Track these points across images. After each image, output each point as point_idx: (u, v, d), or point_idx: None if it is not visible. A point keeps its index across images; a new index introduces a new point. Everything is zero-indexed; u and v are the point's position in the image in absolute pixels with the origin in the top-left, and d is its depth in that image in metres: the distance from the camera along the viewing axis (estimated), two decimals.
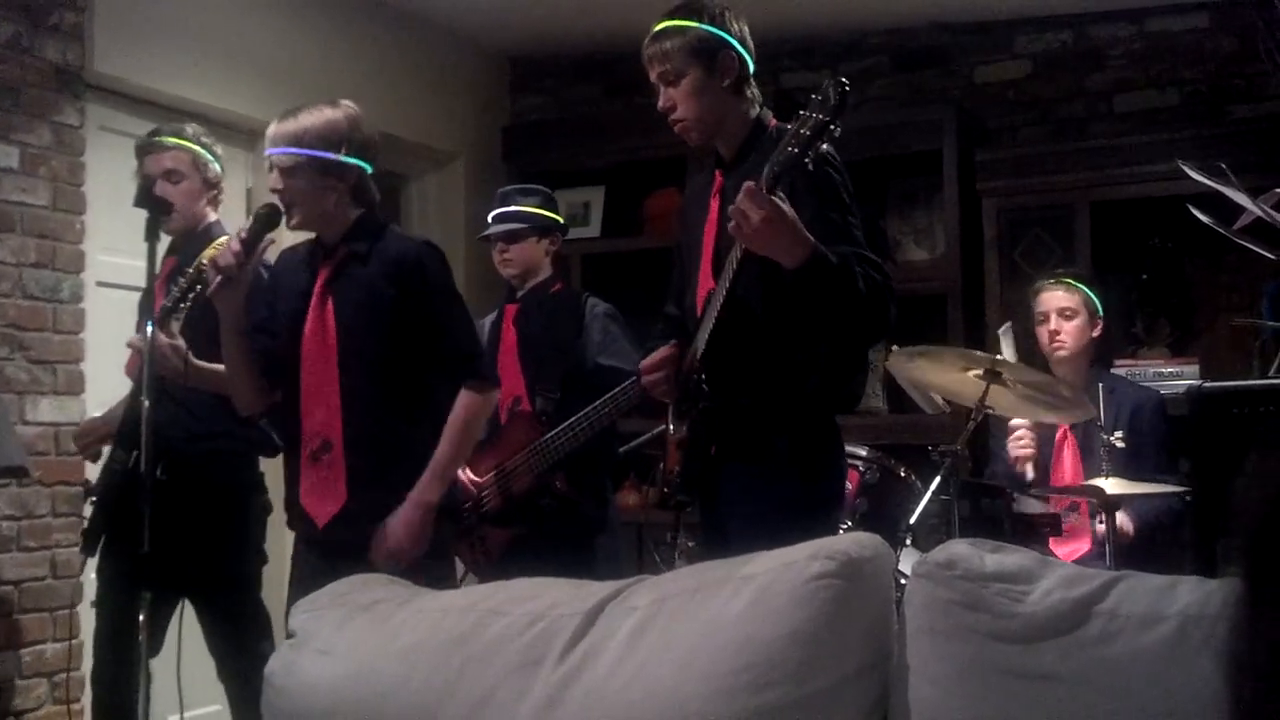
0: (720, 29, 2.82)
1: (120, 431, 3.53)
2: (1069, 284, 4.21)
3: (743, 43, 2.86)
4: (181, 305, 3.31)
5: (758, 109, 2.89)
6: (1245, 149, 4.52)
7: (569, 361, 3.91)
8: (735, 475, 2.74)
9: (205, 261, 3.11)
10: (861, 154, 5.25)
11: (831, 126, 2.41)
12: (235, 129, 4.96)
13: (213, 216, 3.70)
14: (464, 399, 3.10)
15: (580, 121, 5.99)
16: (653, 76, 2.85)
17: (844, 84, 2.41)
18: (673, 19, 2.82)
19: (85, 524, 3.66)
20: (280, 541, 3.63)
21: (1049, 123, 5.40)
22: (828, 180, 2.69)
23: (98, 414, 3.93)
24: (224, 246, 3.00)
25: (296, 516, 3.16)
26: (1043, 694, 1.48)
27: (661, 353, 2.87)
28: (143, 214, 3.32)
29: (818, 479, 2.78)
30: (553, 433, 3.75)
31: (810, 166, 2.47)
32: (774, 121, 2.87)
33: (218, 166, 3.72)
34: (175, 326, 3.25)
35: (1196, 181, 3.31)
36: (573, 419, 3.73)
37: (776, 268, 2.52)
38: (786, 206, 2.46)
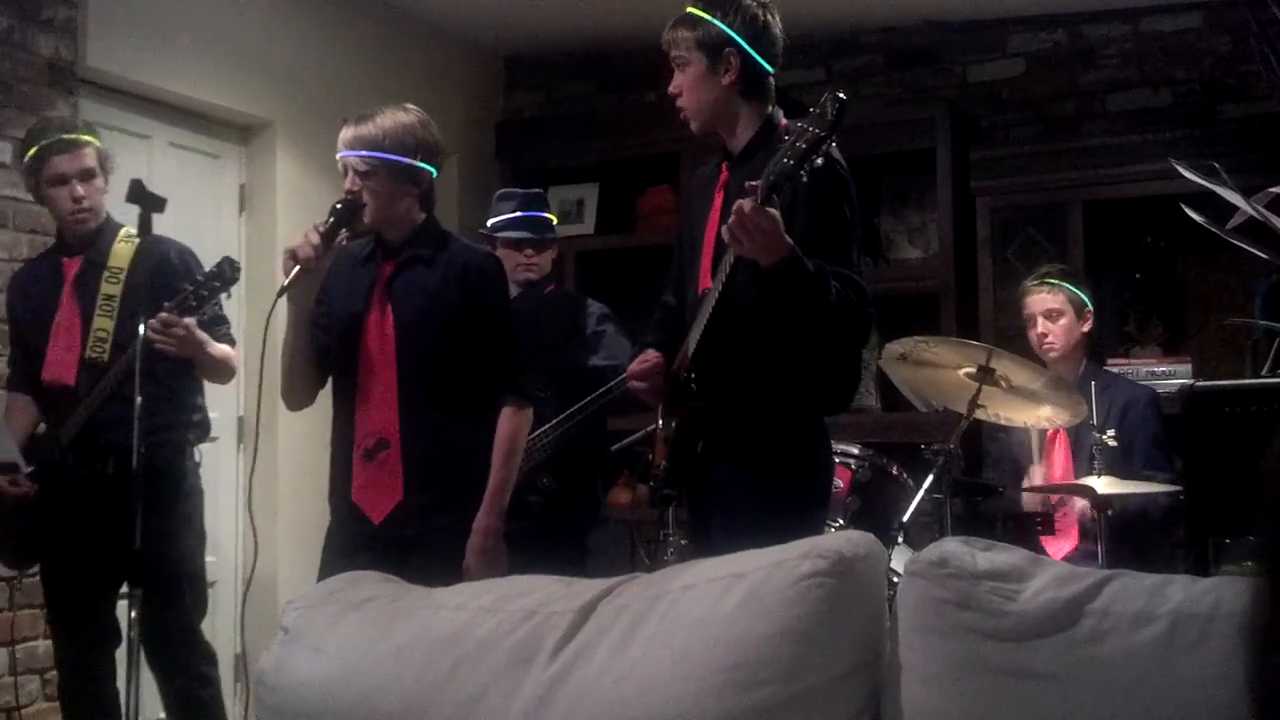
0: (736, 29, 2.84)
1: (55, 435, 3.51)
2: (1052, 284, 4.22)
3: (758, 45, 2.87)
4: (210, 302, 3.34)
5: (771, 109, 2.92)
6: (1238, 149, 4.53)
7: (561, 361, 3.91)
8: (721, 474, 2.76)
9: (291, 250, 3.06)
10: (855, 152, 5.17)
11: (827, 142, 2.45)
12: (228, 125, 4.96)
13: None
14: (508, 418, 3.17)
15: (574, 118, 5.99)
16: (667, 46, 2.92)
17: (841, 98, 2.44)
18: (696, 7, 2.88)
19: (9, 534, 3.59)
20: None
21: (1042, 122, 5.41)
22: (829, 192, 2.72)
23: None
24: (304, 238, 3.01)
25: (347, 512, 3.17)
26: (1034, 692, 1.48)
27: (650, 362, 2.90)
28: (134, 209, 3.34)
29: (802, 478, 2.80)
30: (539, 430, 3.76)
31: (805, 178, 2.49)
32: (784, 121, 2.89)
33: (110, 155, 3.65)
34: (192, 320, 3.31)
35: (1189, 181, 3.32)
36: (559, 417, 3.73)
37: (762, 274, 2.55)
38: (776, 214, 2.49)
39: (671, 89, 2.90)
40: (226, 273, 3.33)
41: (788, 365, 2.74)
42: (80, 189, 3.52)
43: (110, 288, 3.51)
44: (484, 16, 5.70)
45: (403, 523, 3.08)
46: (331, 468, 3.24)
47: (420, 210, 3.22)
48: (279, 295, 3.06)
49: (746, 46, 2.85)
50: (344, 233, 3.11)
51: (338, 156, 3.17)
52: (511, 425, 3.17)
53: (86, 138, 3.58)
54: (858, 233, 2.82)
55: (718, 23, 2.84)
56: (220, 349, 3.54)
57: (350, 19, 5.34)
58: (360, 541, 3.12)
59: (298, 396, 3.26)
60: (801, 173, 2.46)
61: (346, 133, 3.14)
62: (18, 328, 3.72)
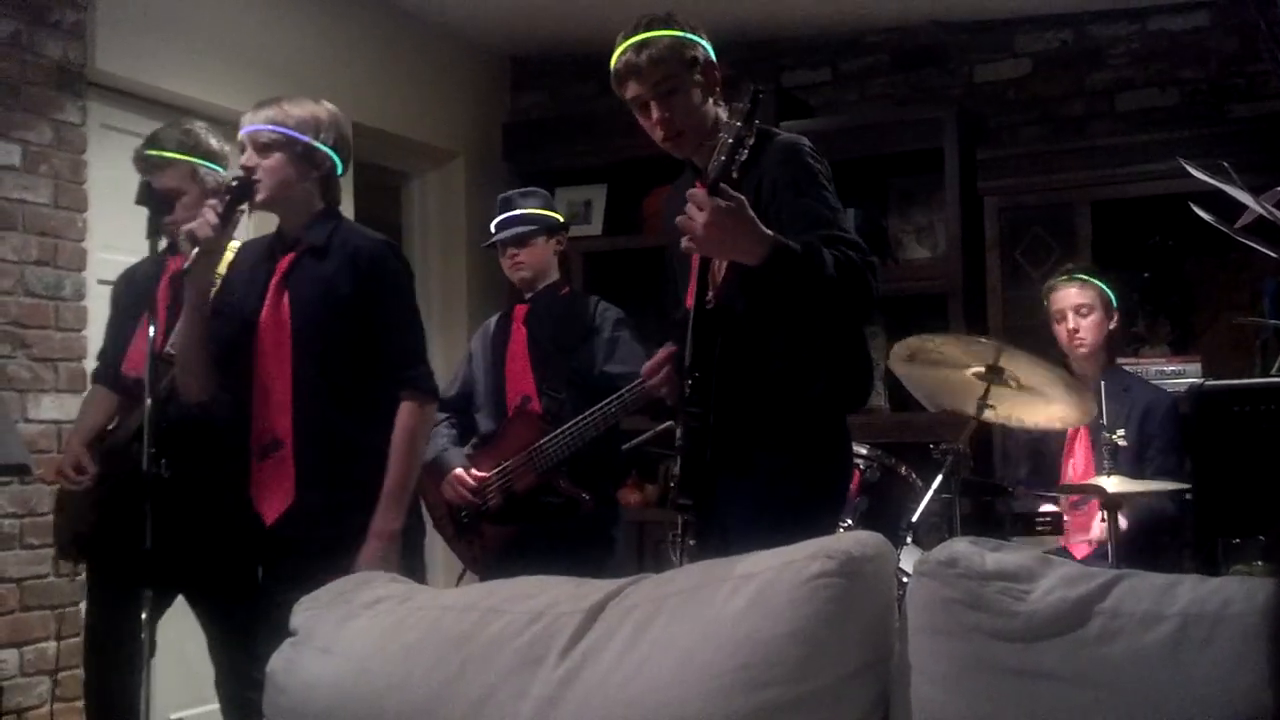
0: (701, 36, 2.81)
1: (127, 433, 3.51)
2: (1083, 280, 4.21)
3: (708, 44, 2.85)
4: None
5: (724, 113, 2.85)
6: (1245, 148, 4.51)
7: (575, 364, 3.91)
8: (729, 485, 2.72)
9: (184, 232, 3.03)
10: (862, 152, 5.28)
11: (746, 135, 2.47)
12: (236, 126, 4.95)
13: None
14: (405, 413, 3.05)
15: (580, 119, 5.98)
16: (639, 90, 2.78)
17: (757, 90, 2.48)
18: (654, 30, 2.78)
19: (71, 530, 3.59)
20: None
21: (1050, 121, 5.40)
22: (804, 171, 2.70)
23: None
24: (200, 219, 2.96)
25: (243, 515, 3.08)
26: (1043, 693, 1.48)
27: (661, 354, 2.86)
28: (144, 211, 3.34)
29: (817, 487, 2.76)
30: (555, 432, 3.76)
31: (735, 175, 2.48)
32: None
33: (218, 169, 3.59)
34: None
35: (1198, 180, 3.31)
36: (576, 419, 3.73)
37: (754, 275, 2.51)
38: (731, 203, 2.44)
39: (659, 117, 2.77)
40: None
41: (800, 368, 2.72)
42: (180, 211, 3.45)
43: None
44: (490, 18, 5.70)
45: (298, 525, 2.99)
46: (232, 466, 3.14)
47: (320, 200, 3.15)
48: (183, 277, 2.99)
49: (711, 52, 2.83)
50: (240, 210, 3.05)
51: (240, 134, 3.11)
52: (409, 420, 3.04)
53: (171, 155, 3.52)
54: (838, 202, 2.77)
55: (690, 36, 2.79)
56: None
57: (357, 21, 5.34)
58: (258, 545, 3.06)
59: (196, 386, 3.15)
60: (732, 169, 2.47)
61: (250, 113, 3.11)
62: (115, 318, 3.71)
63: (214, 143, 3.63)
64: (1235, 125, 4.91)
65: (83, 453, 3.49)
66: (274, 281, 3.09)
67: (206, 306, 3.07)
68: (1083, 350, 4.13)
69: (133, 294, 3.65)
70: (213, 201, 3.02)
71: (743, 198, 2.46)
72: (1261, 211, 3.13)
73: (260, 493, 3.04)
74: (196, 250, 2.95)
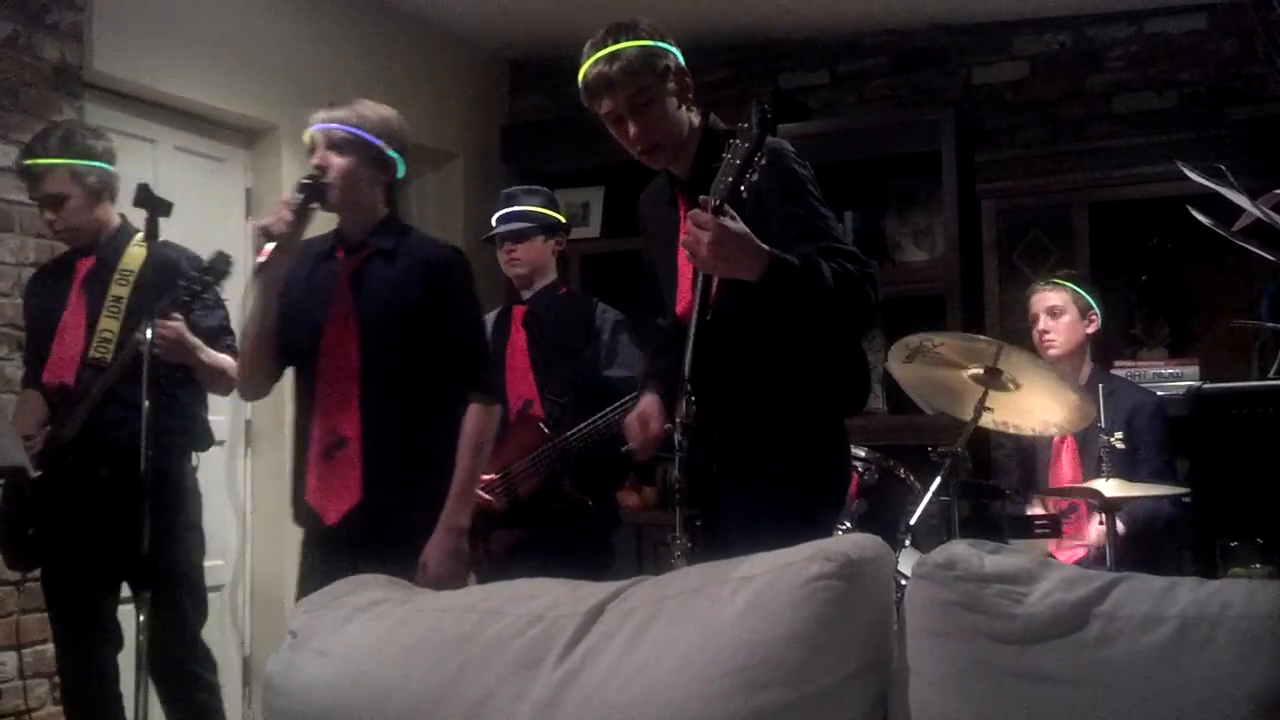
0: (670, 42, 2.77)
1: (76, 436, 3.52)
2: (1056, 283, 4.25)
3: (677, 50, 2.80)
4: (204, 295, 3.33)
5: (699, 117, 2.84)
6: (1244, 151, 4.53)
7: (577, 366, 3.91)
8: (730, 491, 2.71)
9: (259, 228, 3.03)
10: (860, 154, 5.28)
11: (757, 155, 2.42)
12: (234, 129, 4.97)
13: (117, 219, 3.67)
14: (474, 414, 3.12)
15: (579, 122, 5.88)
16: (613, 105, 2.74)
17: (765, 110, 2.43)
18: (622, 41, 2.72)
19: (11, 536, 3.60)
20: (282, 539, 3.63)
21: (1047, 124, 5.41)
22: (791, 177, 2.68)
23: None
24: (274, 215, 2.98)
25: (301, 513, 3.14)
26: (1042, 695, 1.48)
27: (651, 432, 2.84)
28: (142, 213, 3.35)
29: (818, 491, 2.77)
30: (561, 437, 3.75)
31: (746, 194, 2.45)
32: (722, 126, 2.82)
33: (105, 165, 3.62)
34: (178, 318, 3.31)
35: (1196, 183, 3.31)
36: (582, 424, 3.73)
37: (753, 289, 2.51)
38: (736, 224, 2.44)
39: (636, 132, 2.73)
40: (219, 266, 3.32)
41: (800, 377, 2.71)
42: (50, 214, 3.56)
43: (119, 289, 3.51)
44: (489, 20, 5.71)
45: (360, 524, 3.01)
46: (293, 468, 3.17)
47: (384, 205, 3.19)
48: (256, 274, 3.01)
49: (681, 58, 2.79)
50: (313, 208, 3.06)
51: (310, 131, 3.12)
52: (478, 422, 3.11)
53: (46, 162, 3.54)
54: (828, 210, 2.75)
55: (660, 44, 2.74)
56: (216, 357, 3.52)
57: (356, 23, 5.34)
58: (318, 544, 3.08)
59: (255, 386, 3.20)
60: (742, 189, 2.43)
61: (322, 112, 3.12)
62: (31, 325, 3.75)
63: (92, 142, 3.62)
64: (1233, 128, 4.92)
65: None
66: (341, 283, 3.12)
67: (275, 306, 3.09)
68: (1053, 352, 4.15)
69: (47, 298, 3.67)
70: (286, 198, 3.03)
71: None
72: (1259, 214, 3.13)
73: (322, 491, 3.06)
74: (271, 246, 2.96)
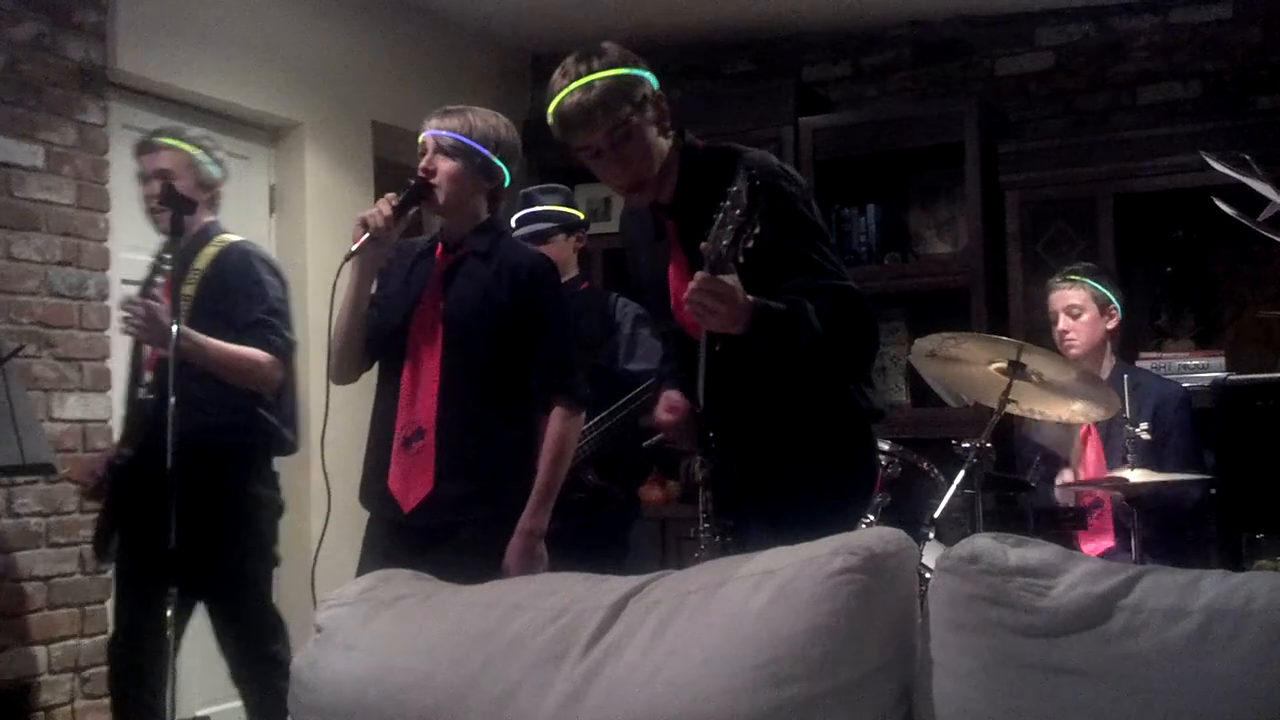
0: (645, 69, 2.66)
1: (125, 430, 3.55)
2: (1074, 280, 4.19)
3: (649, 74, 2.68)
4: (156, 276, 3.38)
5: (674, 137, 2.73)
6: (1269, 140, 4.49)
7: (598, 360, 3.91)
8: (755, 495, 2.69)
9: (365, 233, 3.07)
10: (883, 147, 5.28)
11: (750, 225, 2.30)
12: (257, 126, 4.98)
13: (210, 217, 3.70)
14: (557, 418, 3.16)
15: None
16: (589, 139, 2.63)
17: (755, 179, 2.28)
18: (595, 69, 2.59)
19: (95, 527, 3.69)
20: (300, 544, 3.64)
21: (1071, 115, 5.39)
22: (783, 202, 2.57)
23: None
24: (375, 209, 3.04)
25: (380, 500, 3.16)
26: (1066, 688, 1.48)
27: (678, 407, 2.80)
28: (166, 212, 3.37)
29: (844, 487, 2.76)
30: (584, 427, 3.76)
31: (742, 260, 2.34)
32: (700, 142, 2.75)
33: (213, 170, 3.72)
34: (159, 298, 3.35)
35: (1221, 173, 3.30)
36: (602, 414, 3.74)
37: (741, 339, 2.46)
38: (733, 281, 2.37)
39: (619, 171, 2.65)
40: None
41: (802, 404, 2.69)
42: (151, 188, 3.62)
43: (188, 289, 3.54)
44: (511, 15, 5.71)
45: (431, 513, 3.07)
46: (367, 455, 3.22)
47: (486, 210, 3.25)
48: (345, 260, 3.07)
49: (654, 82, 2.68)
50: (415, 208, 3.13)
51: (422, 136, 3.18)
52: (562, 427, 3.16)
53: (170, 141, 3.66)
54: (825, 230, 2.70)
55: (637, 71, 2.63)
56: (227, 350, 3.49)
57: (379, 20, 5.36)
58: (391, 531, 3.12)
59: (345, 371, 3.24)
60: (739, 256, 2.32)
61: (435, 119, 3.18)
62: None
63: (213, 146, 3.76)
64: (1258, 117, 4.88)
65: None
66: (434, 279, 3.18)
67: (366, 295, 3.15)
68: (1073, 351, 4.10)
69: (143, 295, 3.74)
70: (389, 195, 3.09)
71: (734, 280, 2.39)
72: None
73: (401, 480, 3.11)
74: (366, 236, 3.02)
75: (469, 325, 3.12)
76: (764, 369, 2.64)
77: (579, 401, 3.23)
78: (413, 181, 3.13)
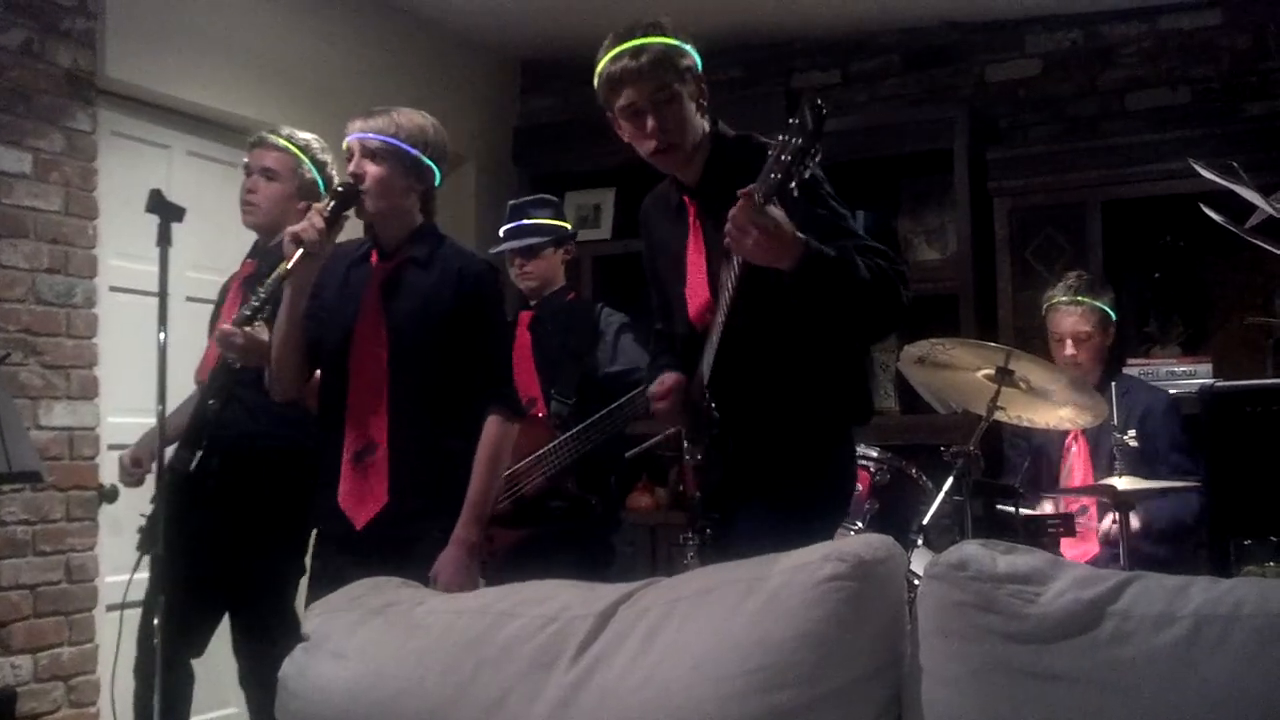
0: (684, 39, 2.72)
1: (186, 433, 3.53)
2: (1081, 303, 4.13)
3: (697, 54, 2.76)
4: (268, 306, 3.33)
5: (709, 124, 2.78)
6: (1258, 147, 4.50)
7: (584, 369, 3.92)
8: (743, 497, 2.70)
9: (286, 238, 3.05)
10: (872, 153, 5.27)
11: (812, 150, 2.32)
12: (247, 133, 4.96)
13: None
14: (492, 428, 3.12)
15: (591, 123, 5.89)
16: (635, 98, 2.68)
17: (820, 105, 2.32)
18: (650, 35, 2.68)
19: (144, 522, 3.66)
20: None
21: (1060, 121, 5.40)
22: (814, 182, 2.62)
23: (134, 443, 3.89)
24: (306, 222, 2.98)
25: (330, 517, 3.13)
26: (1055, 695, 1.48)
27: (668, 381, 2.80)
28: (154, 219, 3.35)
29: (829, 496, 2.76)
30: (565, 436, 3.76)
31: (795, 192, 2.37)
32: (731, 132, 2.79)
33: (317, 178, 3.70)
34: (260, 325, 3.28)
35: (1209, 179, 3.30)
36: (585, 424, 3.74)
37: (777, 285, 2.47)
38: (780, 214, 2.39)
39: (654, 128, 2.68)
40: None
41: (809, 380, 2.69)
42: (251, 182, 3.64)
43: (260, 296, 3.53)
44: (500, 21, 5.71)
45: (387, 527, 3.03)
46: (320, 470, 3.17)
47: (420, 212, 3.19)
48: (282, 280, 3.02)
49: (700, 63, 2.74)
50: (345, 216, 3.06)
51: (346, 140, 3.12)
52: (496, 435, 3.12)
53: (281, 141, 3.68)
54: (849, 212, 2.72)
55: (683, 45, 2.70)
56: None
57: (368, 27, 5.36)
58: (342, 549, 3.08)
59: (285, 386, 3.19)
60: (792, 186, 2.35)
61: (357, 121, 3.13)
62: (210, 324, 3.80)
63: (321, 149, 3.76)
64: (1247, 124, 4.90)
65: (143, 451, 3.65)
66: (373, 289, 3.13)
67: (303, 310, 3.11)
68: (1078, 373, 4.08)
69: (220, 296, 3.77)
70: (319, 205, 3.04)
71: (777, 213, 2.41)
72: (1272, 211, 3.12)
73: (353, 496, 3.07)
74: (300, 252, 2.97)
75: (415, 336, 3.08)
76: (769, 352, 2.64)
77: (515, 411, 3.19)
78: (341, 189, 3.07)
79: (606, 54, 2.71)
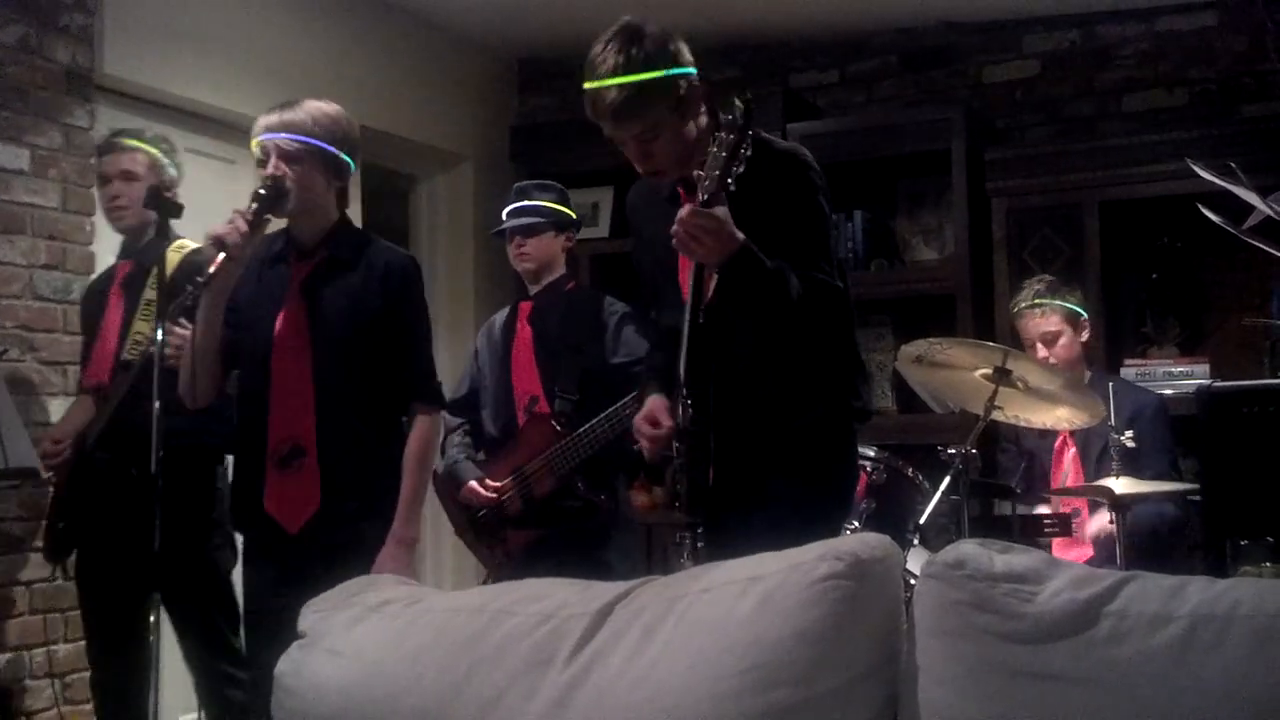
0: (683, 63, 2.64)
1: (103, 434, 3.53)
2: (1043, 304, 4.16)
3: (690, 63, 2.67)
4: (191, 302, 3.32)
5: (708, 117, 2.72)
6: (1255, 148, 4.51)
7: (586, 361, 3.89)
8: (737, 505, 2.67)
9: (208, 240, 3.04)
10: (870, 154, 5.28)
11: (743, 146, 2.34)
12: (245, 130, 4.95)
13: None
14: (421, 424, 3.11)
15: (588, 122, 5.91)
16: (615, 135, 2.66)
17: (748, 99, 2.34)
18: (631, 72, 2.57)
19: (49, 529, 3.68)
20: None
21: (1058, 122, 5.40)
22: (808, 187, 2.63)
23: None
24: (229, 225, 2.94)
25: (258, 523, 3.08)
26: (1052, 694, 1.48)
27: (661, 431, 2.74)
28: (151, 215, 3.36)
29: (827, 499, 2.75)
30: (575, 434, 3.74)
31: (733, 188, 2.39)
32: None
33: (174, 171, 3.76)
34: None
35: (1206, 180, 3.31)
36: (594, 421, 3.71)
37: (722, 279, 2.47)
38: (723, 212, 2.39)
39: (645, 166, 2.68)
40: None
41: (781, 385, 2.68)
42: (114, 189, 3.67)
43: (153, 292, 3.53)
44: (497, 19, 5.71)
45: (320, 531, 3.00)
46: (236, 474, 3.15)
47: (336, 209, 3.16)
48: (204, 285, 2.94)
49: (692, 70, 2.67)
50: (267, 218, 3.03)
51: (257, 140, 3.08)
52: (424, 430, 3.11)
53: (131, 142, 3.71)
54: (832, 230, 2.72)
55: (675, 71, 2.61)
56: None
57: (366, 25, 5.35)
58: (274, 552, 3.06)
59: (203, 391, 3.12)
60: (729, 182, 2.36)
61: (269, 118, 3.08)
62: (82, 327, 3.87)
63: (170, 149, 3.81)
64: (1244, 125, 4.90)
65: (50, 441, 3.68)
66: (293, 289, 3.09)
67: (221, 314, 3.06)
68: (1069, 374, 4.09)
69: (93, 300, 3.78)
70: (241, 209, 3.00)
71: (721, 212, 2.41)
72: (1269, 212, 3.12)
73: (280, 500, 3.04)
74: (221, 256, 2.92)
75: (341, 338, 3.05)
76: (742, 347, 2.64)
77: (438, 403, 3.20)
78: (262, 191, 3.02)
79: (591, 78, 2.63)
